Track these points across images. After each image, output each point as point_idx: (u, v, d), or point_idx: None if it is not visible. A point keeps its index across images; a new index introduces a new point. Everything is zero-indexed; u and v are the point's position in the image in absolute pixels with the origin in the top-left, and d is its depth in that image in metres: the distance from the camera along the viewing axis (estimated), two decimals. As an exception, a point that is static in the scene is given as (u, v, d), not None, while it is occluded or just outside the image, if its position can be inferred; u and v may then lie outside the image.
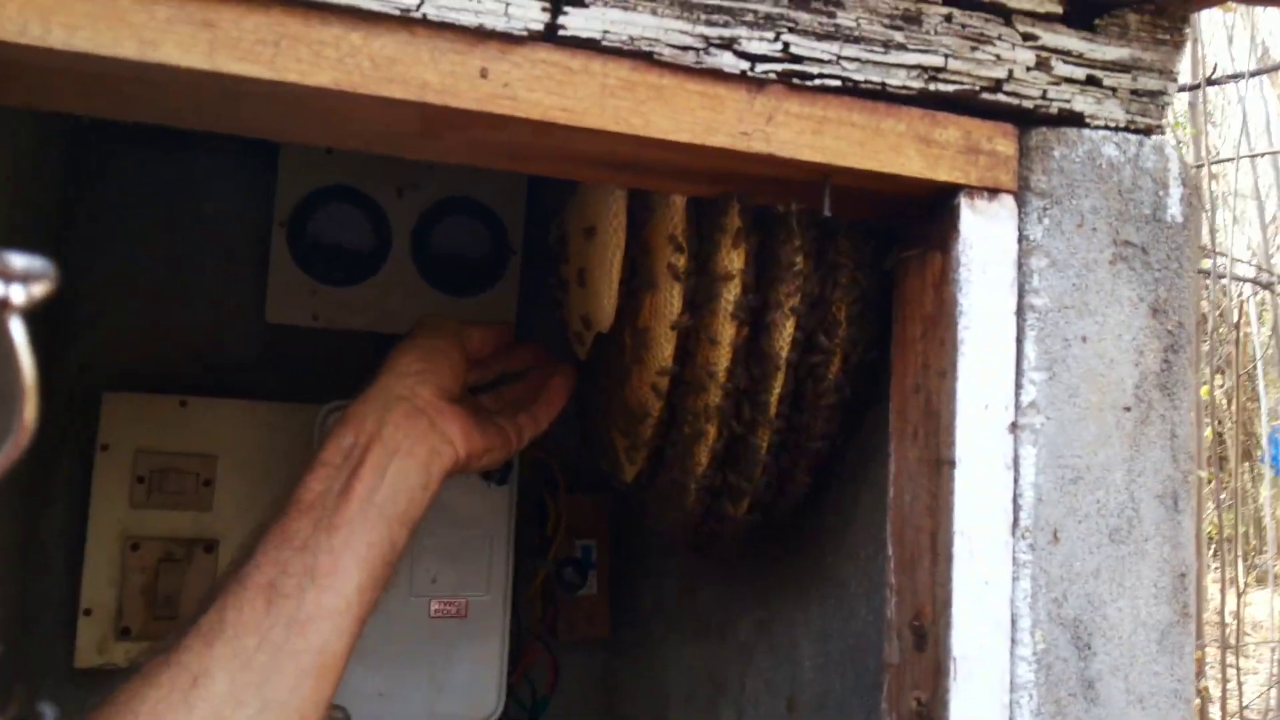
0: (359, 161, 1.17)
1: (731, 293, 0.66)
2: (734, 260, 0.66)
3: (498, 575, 1.08)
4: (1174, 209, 0.64)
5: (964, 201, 0.61)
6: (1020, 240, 0.62)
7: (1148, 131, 0.64)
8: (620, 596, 1.24)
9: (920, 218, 0.65)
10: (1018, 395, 0.62)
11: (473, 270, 1.21)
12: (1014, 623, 0.62)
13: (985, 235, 0.61)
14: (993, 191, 0.62)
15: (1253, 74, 2.43)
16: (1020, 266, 0.62)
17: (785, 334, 0.68)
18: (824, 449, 0.75)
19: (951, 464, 0.61)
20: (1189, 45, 0.70)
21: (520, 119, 0.55)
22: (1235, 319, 5.33)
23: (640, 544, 1.22)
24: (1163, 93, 0.64)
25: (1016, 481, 0.62)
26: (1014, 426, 0.62)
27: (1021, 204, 0.62)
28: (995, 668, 0.62)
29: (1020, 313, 0.62)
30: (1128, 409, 0.63)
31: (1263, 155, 3.43)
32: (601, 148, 0.58)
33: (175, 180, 1.18)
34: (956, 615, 0.61)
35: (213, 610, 0.67)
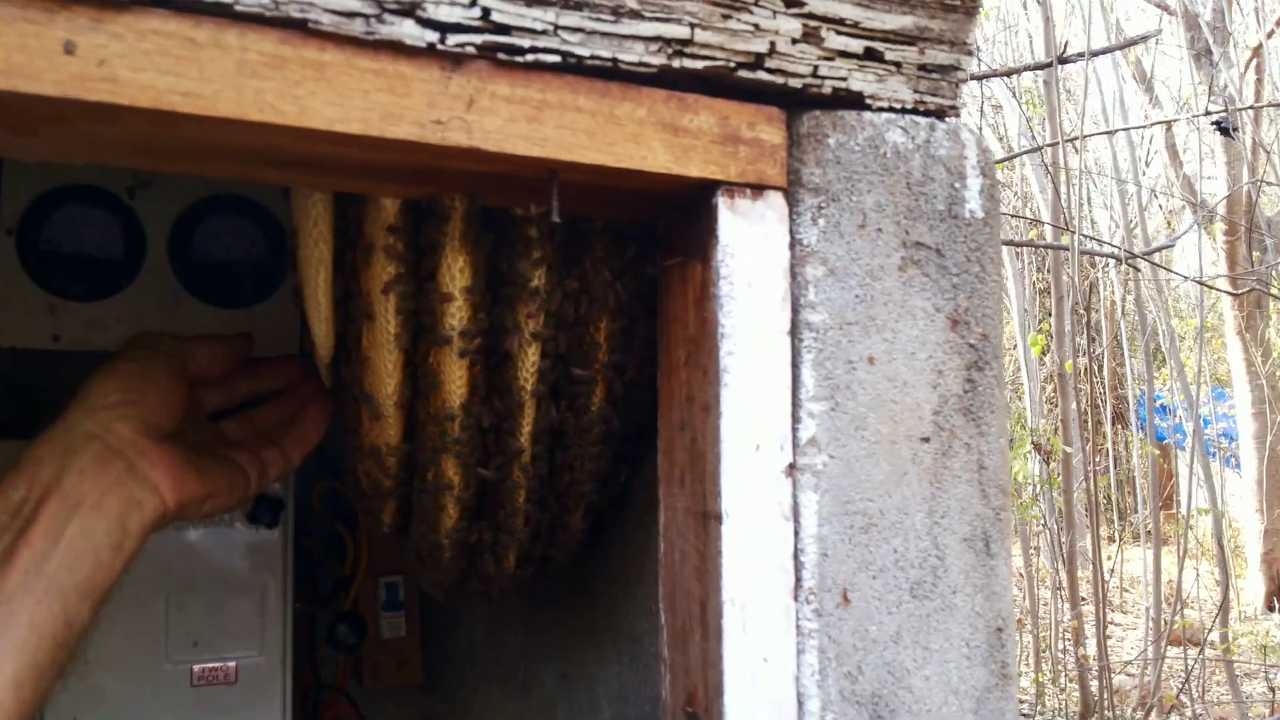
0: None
1: (455, 317, 0.54)
2: (456, 277, 0.54)
3: (272, 631, 0.94)
4: (973, 203, 0.55)
5: (722, 201, 0.50)
6: (792, 246, 0.51)
7: (940, 114, 0.54)
8: (433, 638, 1.12)
9: (679, 219, 0.54)
10: (795, 431, 0.52)
11: (245, 278, 1.06)
12: (800, 705, 0.51)
13: (750, 241, 0.51)
14: (757, 188, 0.51)
15: (1097, 53, 2.41)
16: (793, 277, 0.52)
17: (529, 363, 0.56)
18: (596, 491, 0.64)
19: (719, 518, 0.51)
20: (980, 15, 0.60)
21: (127, 107, 0.42)
22: (1103, 293, 5.49)
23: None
24: (955, 68, 0.54)
25: (797, 535, 0.52)
26: (791, 469, 0.51)
27: (793, 202, 0.51)
28: (782, 756, 0.52)
29: (795, 332, 0.51)
30: (926, 440, 0.54)
31: (1116, 131, 3.47)
32: (252, 141, 0.46)
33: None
34: (730, 703, 0.50)
35: None
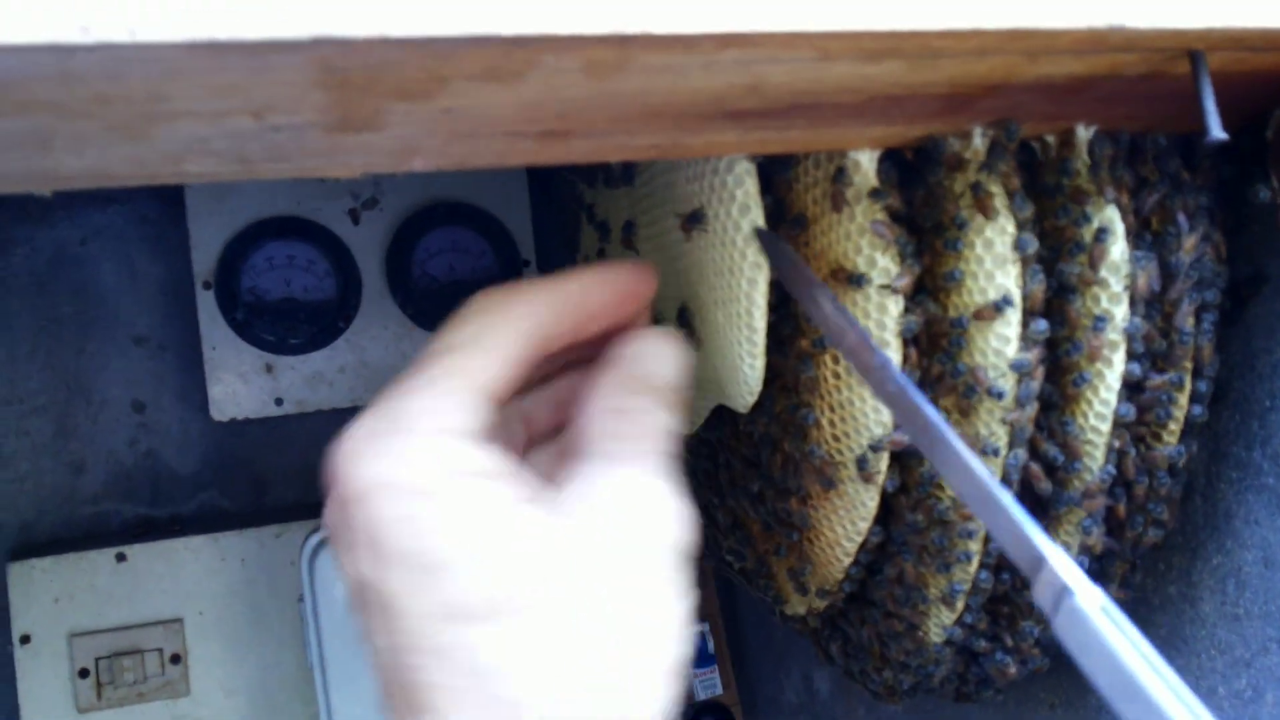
0: (291, 182, 0.85)
1: (1005, 329, 0.34)
2: (998, 264, 0.34)
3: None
4: None
5: None
6: None
7: None
8: (755, 692, 0.93)
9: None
10: None
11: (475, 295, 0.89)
12: None
13: None
14: None
15: None
16: None
17: (1112, 376, 0.36)
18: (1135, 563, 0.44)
19: None
20: None
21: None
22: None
23: (765, 619, 0.91)
24: None
25: None
26: None
27: None
28: None
29: None
30: None
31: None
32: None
33: (53, 253, 0.86)
34: None
35: None
